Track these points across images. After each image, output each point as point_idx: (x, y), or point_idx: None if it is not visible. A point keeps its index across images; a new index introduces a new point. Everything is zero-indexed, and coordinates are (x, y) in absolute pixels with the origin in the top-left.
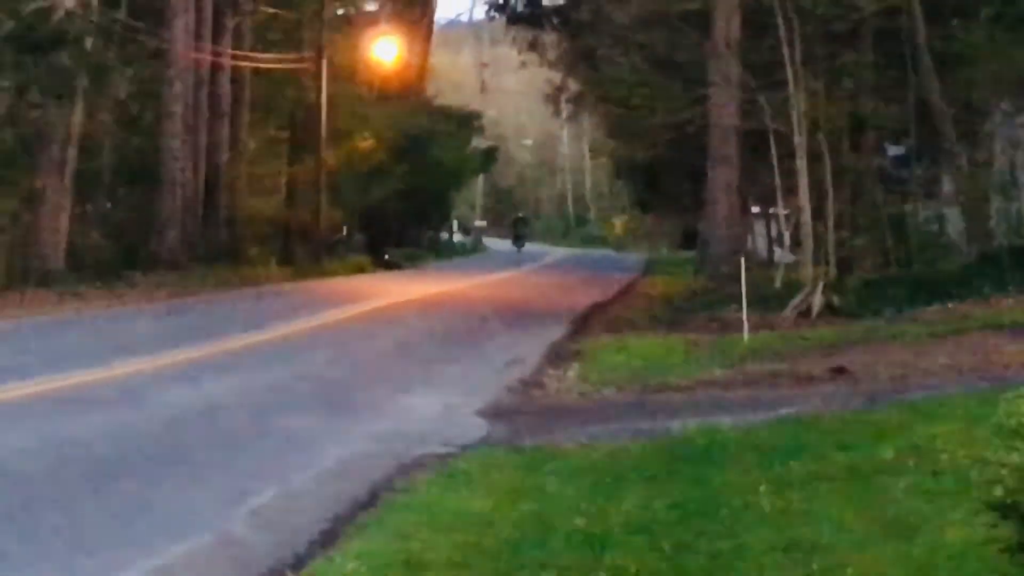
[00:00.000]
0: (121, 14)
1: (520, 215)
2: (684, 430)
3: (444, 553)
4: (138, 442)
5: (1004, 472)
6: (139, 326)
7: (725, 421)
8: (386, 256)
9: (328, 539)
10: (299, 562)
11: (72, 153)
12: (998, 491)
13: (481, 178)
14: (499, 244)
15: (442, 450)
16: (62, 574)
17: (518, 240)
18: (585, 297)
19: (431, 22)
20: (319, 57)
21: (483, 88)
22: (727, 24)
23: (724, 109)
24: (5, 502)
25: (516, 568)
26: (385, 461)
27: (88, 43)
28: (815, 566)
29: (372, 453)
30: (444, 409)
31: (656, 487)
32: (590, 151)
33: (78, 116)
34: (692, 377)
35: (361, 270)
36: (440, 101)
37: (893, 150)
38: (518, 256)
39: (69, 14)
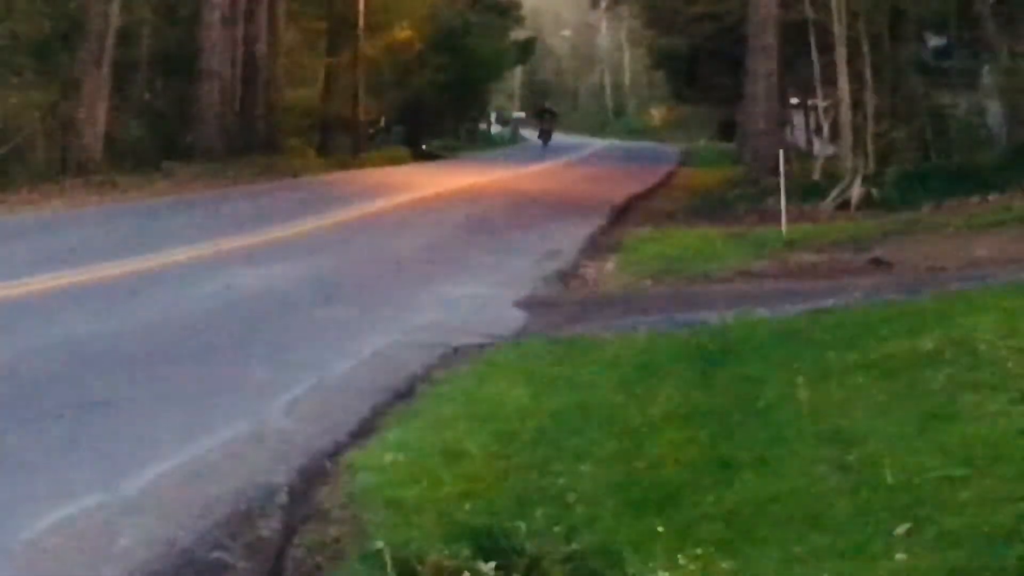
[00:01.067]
0: None
1: (546, 106)
2: (722, 321)
3: (482, 443)
4: (174, 334)
5: None
6: (176, 217)
7: (763, 312)
8: (424, 147)
9: (366, 429)
10: (338, 451)
11: (110, 44)
12: None
13: (519, 69)
14: (537, 136)
15: (480, 341)
16: (103, 462)
17: (543, 134)
18: (623, 189)
19: None
20: None
21: None
22: None
23: None
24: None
25: (553, 458)
26: (423, 352)
27: None
28: (852, 456)
29: (410, 344)
30: (482, 300)
31: (693, 378)
32: (628, 42)
33: (116, 7)
34: (730, 269)
35: (399, 161)
36: None
37: (933, 41)
38: (554, 148)
39: None
